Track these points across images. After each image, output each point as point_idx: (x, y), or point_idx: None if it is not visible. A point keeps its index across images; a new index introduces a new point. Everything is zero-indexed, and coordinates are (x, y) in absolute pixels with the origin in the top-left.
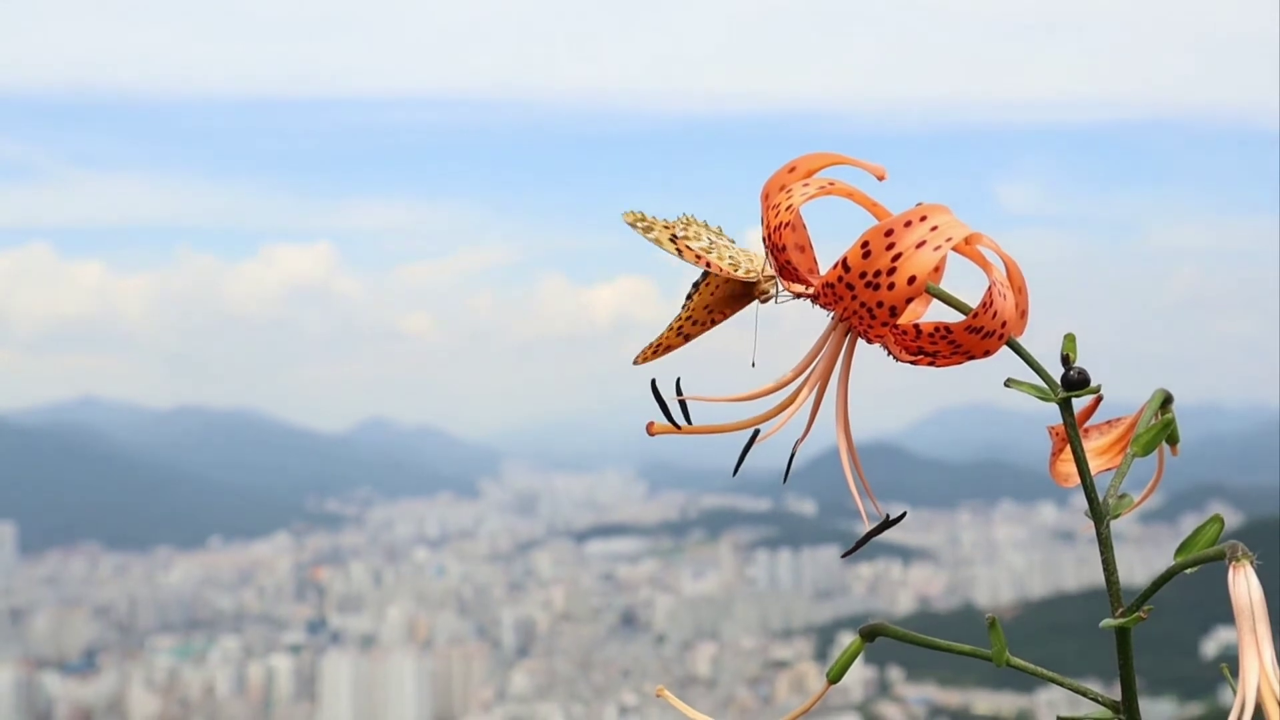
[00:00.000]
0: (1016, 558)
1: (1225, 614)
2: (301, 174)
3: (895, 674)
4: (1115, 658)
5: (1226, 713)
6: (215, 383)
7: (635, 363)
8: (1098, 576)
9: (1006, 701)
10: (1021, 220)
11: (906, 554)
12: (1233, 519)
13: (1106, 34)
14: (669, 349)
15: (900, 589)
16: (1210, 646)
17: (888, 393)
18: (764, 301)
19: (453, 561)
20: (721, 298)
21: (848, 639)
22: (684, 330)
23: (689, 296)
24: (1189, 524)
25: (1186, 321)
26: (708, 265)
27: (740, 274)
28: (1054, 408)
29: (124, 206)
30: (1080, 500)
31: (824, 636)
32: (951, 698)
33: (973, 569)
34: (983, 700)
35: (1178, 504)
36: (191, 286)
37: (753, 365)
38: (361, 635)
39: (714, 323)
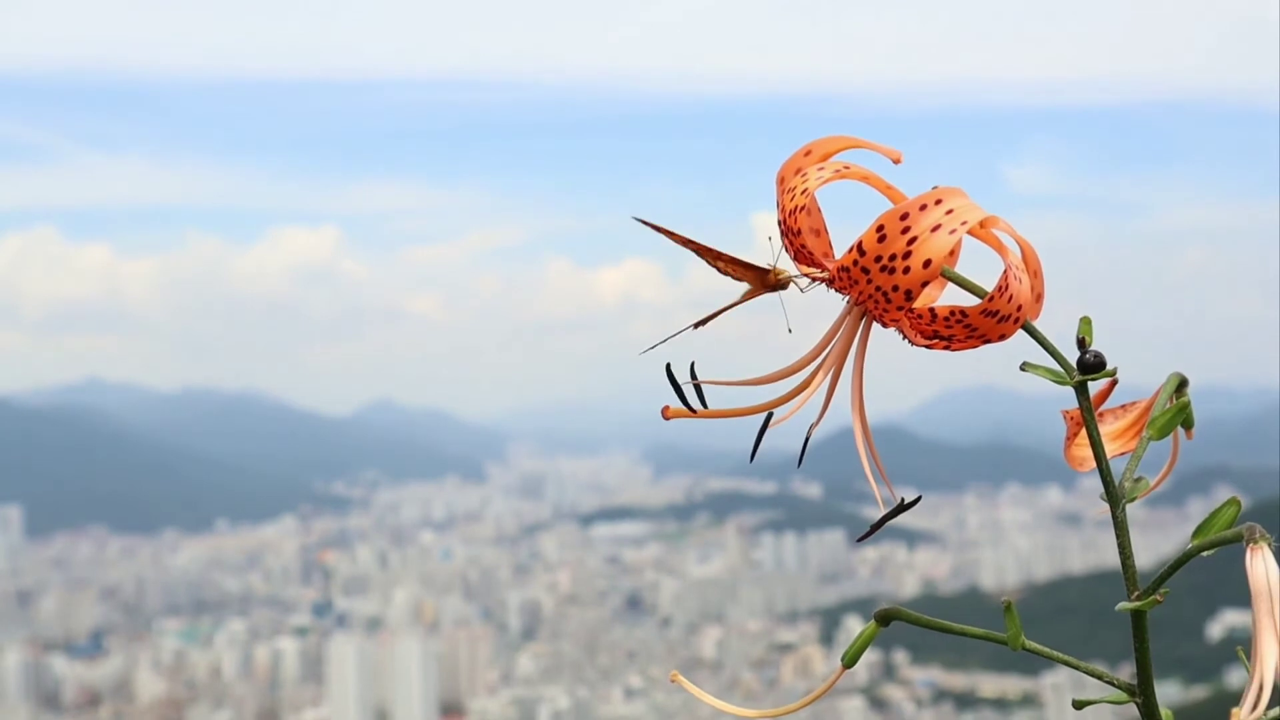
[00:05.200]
0: (1022, 541)
1: (1231, 598)
2: (308, 156)
3: (901, 657)
4: (1123, 640)
5: (1233, 696)
6: (222, 365)
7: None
8: (1103, 560)
9: (1012, 684)
10: (1030, 202)
11: (912, 537)
12: None
13: (1114, 16)
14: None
15: (906, 572)
16: (1216, 630)
17: (893, 375)
18: (782, 288)
19: (459, 544)
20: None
21: (853, 622)
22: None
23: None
24: (1195, 507)
25: (1192, 303)
26: (718, 259)
27: (753, 261)
28: (1064, 391)
29: (131, 189)
30: (1087, 483)
31: (829, 619)
32: (957, 681)
33: (978, 552)
34: (988, 683)
35: (1183, 487)
36: (198, 269)
37: (789, 331)
38: (368, 618)
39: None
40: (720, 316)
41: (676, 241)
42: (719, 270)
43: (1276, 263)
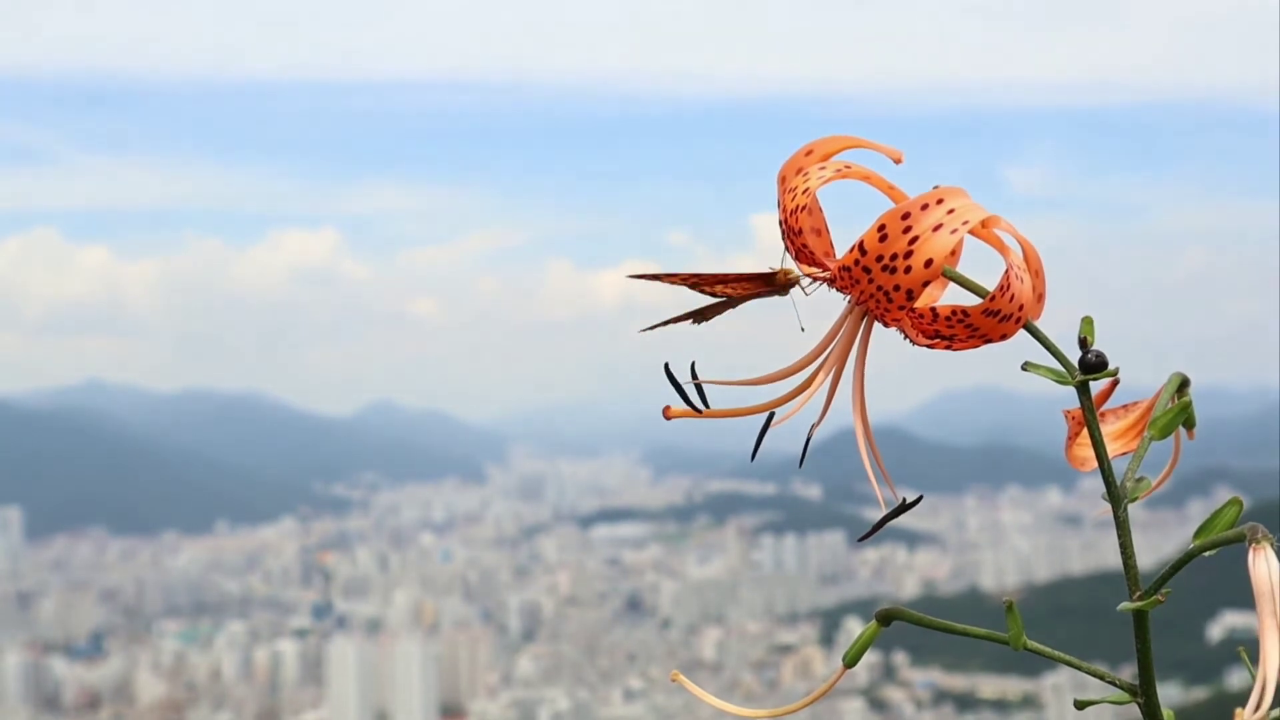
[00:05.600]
0: (1022, 542)
1: (1232, 599)
2: (308, 158)
3: (901, 658)
4: (1124, 641)
5: (1233, 697)
6: (221, 367)
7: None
8: (1103, 560)
9: (1012, 685)
10: (1031, 203)
11: (912, 538)
12: None
13: (1115, 18)
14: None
15: (906, 573)
16: (1216, 631)
17: (893, 376)
18: (787, 290)
19: (458, 546)
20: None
21: (853, 623)
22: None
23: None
24: (1195, 508)
25: (1192, 304)
26: (723, 283)
27: (756, 270)
28: (1064, 392)
29: (130, 190)
30: (1087, 484)
31: (829, 621)
32: (957, 682)
33: (978, 553)
34: (988, 684)
35: (1183, 488)
36: (198, 270)
37: (802, 330)
38: (368, 620)
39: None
40: (720, 314)
41: (676, 283)
42: (728, 295)
43: (1276, 264)
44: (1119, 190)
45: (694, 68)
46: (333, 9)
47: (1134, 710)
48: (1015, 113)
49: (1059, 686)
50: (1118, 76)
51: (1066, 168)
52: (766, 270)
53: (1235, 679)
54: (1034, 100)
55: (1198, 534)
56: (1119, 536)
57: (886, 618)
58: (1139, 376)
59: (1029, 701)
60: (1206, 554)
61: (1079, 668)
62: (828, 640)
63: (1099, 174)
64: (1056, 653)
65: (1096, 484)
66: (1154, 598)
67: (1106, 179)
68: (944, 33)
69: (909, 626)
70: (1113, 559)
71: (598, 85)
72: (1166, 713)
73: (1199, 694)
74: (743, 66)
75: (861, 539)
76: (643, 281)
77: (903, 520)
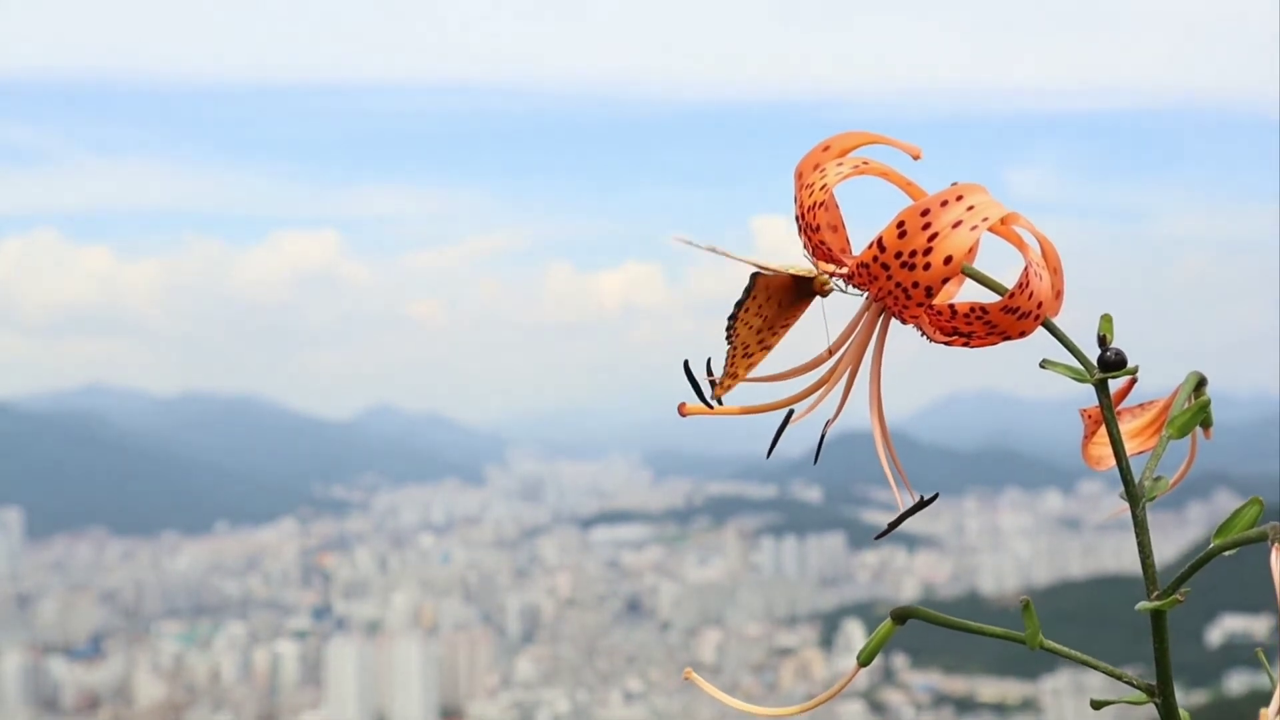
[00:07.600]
0: (1021, 545)
1: (1231, 602)
2: (309, 160)
3: (900, 661)
4: (1123, 645)
5: (1233, 701)
6: (222, 369)
7: (717, 395)
8: (1102, 565)
9: (1011, 688)
10: (1032, 207)
11: (911, 541)
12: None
13: (1116, 22)
14: (738, 376)
15: (905, 576)
16: (1215, 634)
17: (893, 379)
18: (825, 295)
19: (458, 548)
20: (774, 311)
21: (853, 626)
22: (751, 353)
23: (732, 328)
24: (1195, 511)
25: (1193, 308)
26: (763, 270)
27: (798, 272)
28: (1066, 396)
29: (132, 192)
30: (1087, 488)
31: (829, 623)
32: (956, 685)
33: (978, 556)
34: (987, 687)
35: (1183, 491)
36: (199, 272)
37: (829, 353)
38: (367, 621)
39: (779, 335)
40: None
41: (721, 254)
42: (766, 286)
43: (1277, 269)
44: (1120, 195)
45: (695, 71)
46: (334, 12)
47: (1144, 711)
48: (1016, 117)
49: (1058, 690)
50: (1119, 81)
51: (1067, 172)
52: (804, 273)
53: (1235, 682)
54: (1035, 105)
55: (1218, 533)
56: (1137, 535)
57: (901, 616)
58: (1140, 380)
59: (1028, 705)
60: (1229, 553)
61: (1096, 667)
62: (827, 643)
63: (1100, 179)
64: (1073, 652)
65: (1096, 487)
66: (1173, 597)
67: (1107, 184)
68: (945, 37)
69: (908, 628)
70: (1112, 562)
71: (599, 87)
72: (1183, 713)
73: (1198, 697)
74: (745, 70)
75: (879, 536)
76: (644, 283)
77: (903, 523)
